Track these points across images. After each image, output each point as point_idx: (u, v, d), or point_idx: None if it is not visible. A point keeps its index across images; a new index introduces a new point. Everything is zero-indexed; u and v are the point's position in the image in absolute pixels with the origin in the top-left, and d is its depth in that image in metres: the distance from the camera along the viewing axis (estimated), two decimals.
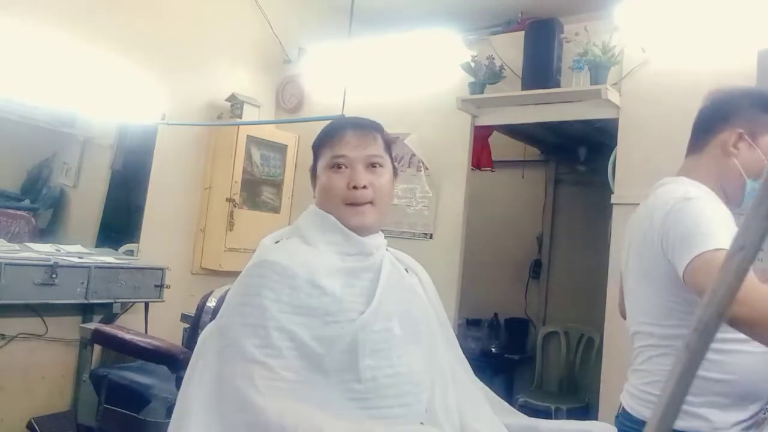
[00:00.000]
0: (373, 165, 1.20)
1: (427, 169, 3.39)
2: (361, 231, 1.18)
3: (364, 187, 1.17)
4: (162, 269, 3.17)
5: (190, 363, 1.15)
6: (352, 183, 1.17)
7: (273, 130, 3.90)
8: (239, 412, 0.98)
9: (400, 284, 1.21)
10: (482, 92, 3.14)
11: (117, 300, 2.98)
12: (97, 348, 2.86)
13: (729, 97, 1.41)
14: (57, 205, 3.34)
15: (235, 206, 3.60)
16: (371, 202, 1.18)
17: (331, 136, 1.22)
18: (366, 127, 1.22)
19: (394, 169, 1.26)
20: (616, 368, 2.73)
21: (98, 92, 3.11)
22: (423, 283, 1.30)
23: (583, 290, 3.99)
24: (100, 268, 2.90)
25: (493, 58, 3.14)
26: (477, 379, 1.32)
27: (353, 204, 1.17)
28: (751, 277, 1.17)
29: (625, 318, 1.50)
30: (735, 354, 1.28)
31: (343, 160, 1.18)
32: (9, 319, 2.79)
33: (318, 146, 1.24)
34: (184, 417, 1.05)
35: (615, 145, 2.84)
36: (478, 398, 1.26)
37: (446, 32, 3.30)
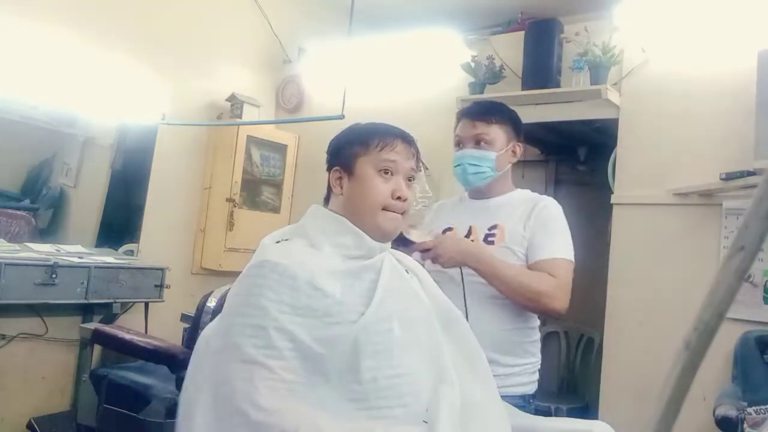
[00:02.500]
0: (410, 178, 1.25)
1: (427, 169, 3.38)
2: (386, 237, 1.23)
3: (405, 199, 1.22)
4: (162, 269, 3.17)
5: (190, 363, 1.15)
6: (397, 193, 1.21)
7: (273, 130, 3.90)
8: (239, 413, 0.98)
9: (401, 285, 1.21)
10: (482, 92, 3.14)
11: (117, 300, 2.97)
12: (97, 348, 2.86)
13: None
14: (57, 205, 3.34)
15: (235, 206, 3.59)
16: (402, 214, 1.24)
17: (383, 138, 1.23)
18: (411, 141, 1.27)
19: None
20: (616, 368, 2.73)
21: (98, 92, 3.11)
22: (423, 284, 1.30)
23: (582, 290, 3.97)
24: (100, 268, 2.90)
25: (493, 58, 3.14)
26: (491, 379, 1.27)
27: (391, 210, 1.21)
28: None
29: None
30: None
31: (393, 166, 1.22)
32: (9, 319, 2.79)
33: (361, 143, 1.24)
34: (187, 419, 1.05)
35: (615, 145, 2.84)
36: (488, 399, 1.23)
37: (446, 32, 3.30)
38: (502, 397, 1.27)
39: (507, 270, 1.54)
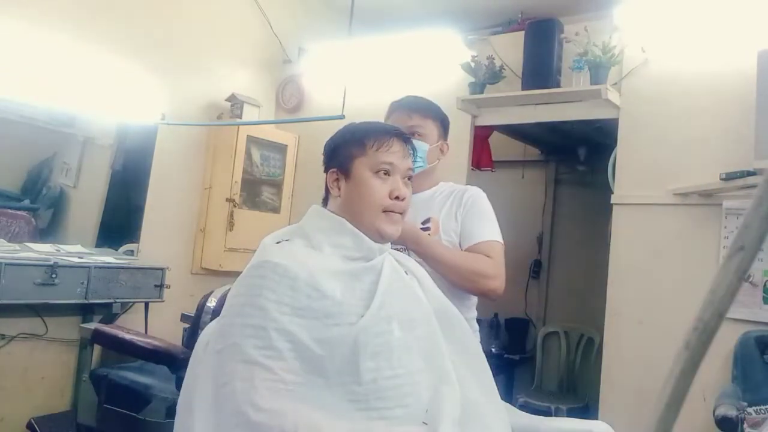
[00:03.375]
0: (407, 178, 1.25)
1: None
2: (386, 238, 1.22)
3: (404, 198, 1.22)
4: (162, 269, 3.17)
5: (189, 363, 1.15)
6: (395, 193, 1.21)
7: (273, 130, 3.90)
8: (239, 413, 0.98)
9: (400, 287, 1.21)
10: (482, 92, 3.13)
11: (117, 300, 2.97)
12: (97, 348, 2.86)
13: None
14: (57, 205, 3.34)
15: (235, 206, 3.59)
16: (402, 213, 1.24)
17: (378, 138, 1.23)
18: (408, 139, 1.27)
19: None
20: (616, 368, 2.73)
21: (98, 92, 3.11)
22: (423, 285, 1.30)
23: (583, 290, 3.99)
24: (100, 268, 2.90)
25: (493, 58, 3.14)
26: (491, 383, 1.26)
27: (391, 212, 1.21)
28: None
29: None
30: None
31: (390, 168, 1.22)
32: (9, 319, 2.79)
33: (356, 144, 1.24)
34: (187, 419, 1.05)
35: (615, 145, 2.84)
36: (488, 399, 1.22)
37: (446, 32, 3.30)
38: None
39: (445, 251, 1.58)
